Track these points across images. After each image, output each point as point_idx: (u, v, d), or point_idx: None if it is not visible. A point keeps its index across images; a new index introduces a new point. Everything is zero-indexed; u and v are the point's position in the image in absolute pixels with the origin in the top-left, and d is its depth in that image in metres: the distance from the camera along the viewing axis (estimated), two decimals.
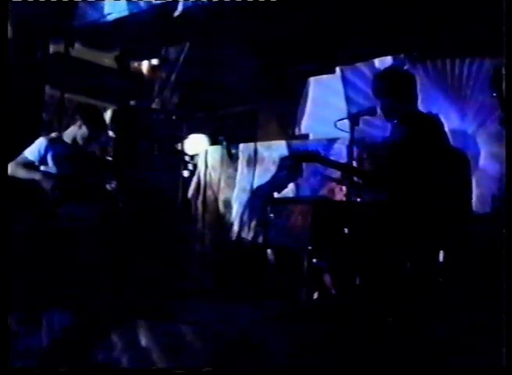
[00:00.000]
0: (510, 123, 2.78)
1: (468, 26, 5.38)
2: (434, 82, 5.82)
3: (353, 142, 3.87)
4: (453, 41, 5.65)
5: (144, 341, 3.31)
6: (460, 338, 3.21)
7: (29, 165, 4.65)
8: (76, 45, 6.77)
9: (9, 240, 2.94)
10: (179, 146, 6.61)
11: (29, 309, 3.73)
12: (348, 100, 6.51)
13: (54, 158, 4.69)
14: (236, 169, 7.09)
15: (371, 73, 5.95)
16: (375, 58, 6.18)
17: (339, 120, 3.96)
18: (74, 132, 4.82)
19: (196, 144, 6.82)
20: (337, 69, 6.68)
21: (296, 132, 7.06)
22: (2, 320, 2.68)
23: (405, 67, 5.57)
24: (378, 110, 3.87)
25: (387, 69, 4.31)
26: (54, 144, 4.74)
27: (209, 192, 7.14)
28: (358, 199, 4.28)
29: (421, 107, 3.94)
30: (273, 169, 6.79)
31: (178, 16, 6.01)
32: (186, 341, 3.23)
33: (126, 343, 3.31)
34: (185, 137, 6.61)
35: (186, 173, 6.79)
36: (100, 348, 3.24)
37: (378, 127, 5.53)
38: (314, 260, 4.67)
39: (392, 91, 3.74)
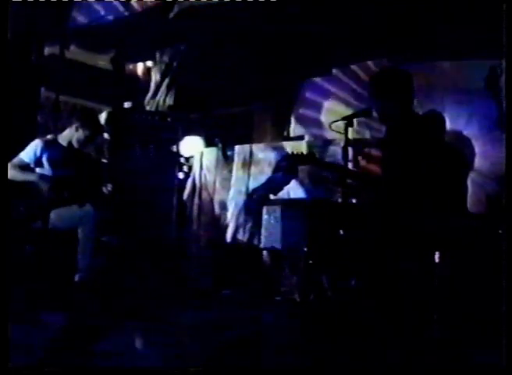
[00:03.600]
0: (509, 123, 2.78)
1: (465, 27, 5.40)
2: (430, 83, 5.83)
3: (348, 144, 3.87)
4: (450, 42, 5.66)
5: (141, 343, 3.31)
6: (460, 338, 3.22)
7: (24, 167, 4.65)
8: (72, 47, 6.77)
9: (7, 241, 2.93)
10: (174, 148, 6.60)
11: (27, 310, 3.73)
12: (343, 101, 6.53)
13: (49, 161, 4.68)
14: (231, 171, 7.10)
15: (366, 74, 5.97)
16: (371, 59, 6.19)
17: (334, 122, 3.96)
18: (70, 135, 4.81)
19: (191, 146, 6.82)
20: (333, 70, 6.69)
21: (292, 134, 7.07)
22: (1, 321, 2.67)
23: (401, 68, 5.58)
24: (373, 112, 3.86)
25: (383, 71, 4.31)
26: (49, 147, 4.74)
27: (204, 194, 7.14)
28: (353, 201, 4.29)
29: (416, 108, 3.94)
30: (268, 171, 6.79)
31: (173, 17, 6.01)
32: (184, 343, 3.23)
33: (125, 344, 3.31)
34: (180, 139, 6.61)
35: (181, 175, 6.79)
36: (99, 349, 3.24)
37: (373, 129, 5.54)
38: (311, 261, 4.68)
39: (389, 92, 3.72)
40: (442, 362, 2.89)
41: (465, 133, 5.66)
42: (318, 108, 6.80)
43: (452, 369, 2.79)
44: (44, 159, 4.69)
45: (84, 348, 3.21)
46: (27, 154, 4.68)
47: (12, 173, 4.52)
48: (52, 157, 4.71)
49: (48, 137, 4.93)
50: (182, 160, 6.76)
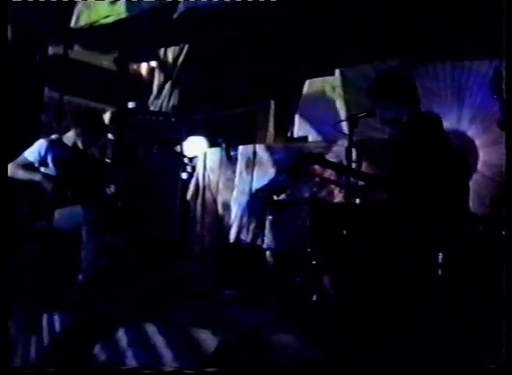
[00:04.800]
0: (510, 124, 2.78)
1: (468, 27, 5.39)
2: (433, 84, 5.82)
3: (352, 144, 3.86)
4: (453, 43, 5.65)
5: (143, 343, 3.31)
6: (459, 338, 3.22)
7: (29, 166, 4.65)
8: (75, 47, 6.78)
9: (8, 242, 2.93)
10: (177, 148, 6.60)
11: (28, 310, 3.73)
12: (347, 102, 6.52)
13: (54, 160, 4.69)
14: (234, 172, 7.08)
15: (370, 74, 5.96)
16: (374, 59, 6.18)
17: (338, 122, 3.97)
18: (75, 136, 4.81)
19: (195, 146, 6.80)
20: (336, 70, 6.68)
21: (295, 134, 7.06)
22: (2, 321, 2.67)
23: (404, 69, 5.57)
24: (378, 112, 3.86)
25: (386, 72, 4.30)
26: (54, 146, 4.75)
27: (208, 194, 7.13)
28: (357, 201, 4.28)
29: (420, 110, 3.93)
30: (272, 171, 6.78)
31: (177, 17, 6.01)
32: (186, 343, 3.23)
33: (126, 344, 3.31)
34: (184, 139, 6.61)
35: (184, 175, 6.78)
36: (100, 349, 3.24)
37: (378, 129, 5.53)
38: (314, 262, 4.68)
39: (392, 94, 3.72)
40: (442, 361, 2.88)
41: (469, 134, 5.65)
42: (321, 108, 6.79)
43: (452, 369, 2.78)
44: (49, 159, 4.70)
45: (85, 348, 3.21)
46: (32, 153, 4.69)
47: (16, 172, 4.53)
48: (57, 157, 4.72)
49: (53, 137, 4.94)
50: (185, 160, 6.75)
